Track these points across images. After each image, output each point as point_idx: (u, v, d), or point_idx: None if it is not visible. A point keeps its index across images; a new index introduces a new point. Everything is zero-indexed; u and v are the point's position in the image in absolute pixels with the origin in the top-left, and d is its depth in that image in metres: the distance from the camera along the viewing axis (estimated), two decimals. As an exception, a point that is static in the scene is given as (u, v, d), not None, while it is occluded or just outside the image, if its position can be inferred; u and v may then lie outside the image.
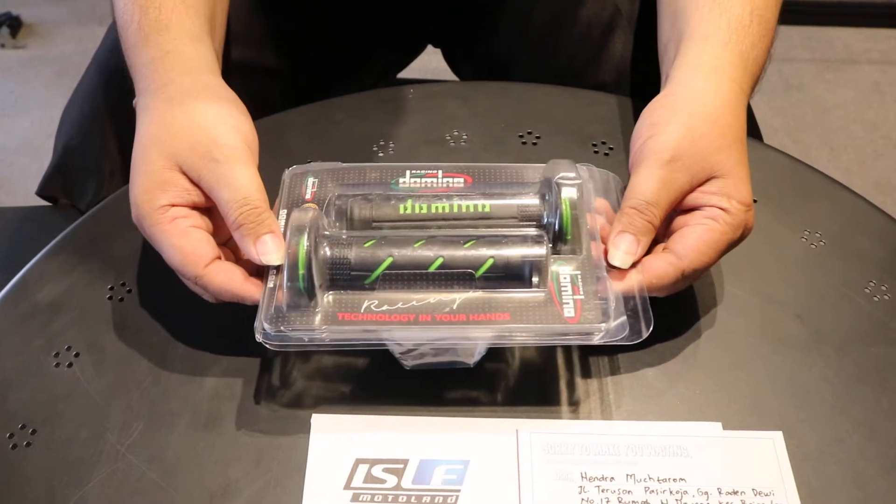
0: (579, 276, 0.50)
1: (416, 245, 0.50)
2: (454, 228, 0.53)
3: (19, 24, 2.02)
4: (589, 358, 0.54)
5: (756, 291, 0.58)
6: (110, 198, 0.65)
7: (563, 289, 0.50)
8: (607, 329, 0.48)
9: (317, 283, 0.49)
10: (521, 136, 0.69)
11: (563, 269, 0.51)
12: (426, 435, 0.50)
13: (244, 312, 0.51)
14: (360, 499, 0.48)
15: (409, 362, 0.51)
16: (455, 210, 0.54)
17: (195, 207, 0.52)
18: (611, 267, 0.51)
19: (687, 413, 0.52)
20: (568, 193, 0.52)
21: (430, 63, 1.00)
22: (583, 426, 0.51)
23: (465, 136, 0.69)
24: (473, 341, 0.50)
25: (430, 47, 0.95)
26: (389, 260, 0.49)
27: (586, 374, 0.54)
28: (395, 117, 0.70)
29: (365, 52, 0.89)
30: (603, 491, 0.48)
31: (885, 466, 0.50)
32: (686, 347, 0.55)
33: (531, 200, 0.54)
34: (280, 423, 0.51)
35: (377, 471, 0.49)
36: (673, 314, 0.55)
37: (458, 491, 0.48)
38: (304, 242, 0.49)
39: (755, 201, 0.54)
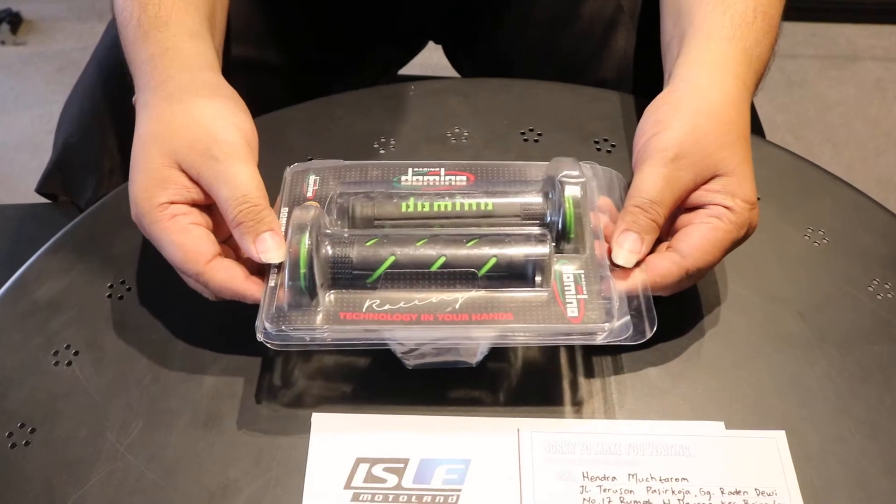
0: (583, 276, 0.50)
1: (419, 244, 0.50)
2: (456, 227, 0.53)
3: (19, 20, 2.01)
4: (591, 357, 0.54)
5: (759, 290, 0.58)
6: (110, 195, 0.65)
7: (566, 288, 0.49)
8: (611, 329, 0.48)
9: (318, 282, 0.48)
10: (523, 133, 0.68)
11: (567, 269, 0.50)
12: (427, 434, 0.50)
13: (244, 311, 0.51)
14: (361, 498, 0.48)
15: (410, 362, 0.51)
16: (457, 208, 0.53)
17: (195, 205, 0.52)
18: (614, 266, 0.51)
19: (689, 412, 0.52)
20: (571, 192, 0.52)
21: (432, 59, 1.00)
22: (584, 425, 0.51)
23: (466, 133, 0.68)
24: (476, 341, 0.49)
25: (431, 43, 0.95)
26: (391, 259, 0.49)
27: (588, 373, 0.53)
28: (396, 114, 0.70)
29: (366, 49, 0.88)
30: (605, 491, 0.48)
31: (888, 466, 0.50)
32: (688, 346, 0.55)
33: (534, 199, 0.54)
34: (280, 422, 0.51)
35: (378, 470, 0.49)
36: (675, 313, 0.54)
37: (459, 491, 0.48)
38: (306, 241, 0.48)
39: (758, 199, 0.53)
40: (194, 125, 0.52)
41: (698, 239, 0.51)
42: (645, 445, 0.50)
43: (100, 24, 0.75)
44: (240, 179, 0.51)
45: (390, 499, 0.48)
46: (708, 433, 0.51)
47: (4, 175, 1.70)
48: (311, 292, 0.48)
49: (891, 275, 0.59)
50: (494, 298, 0.49)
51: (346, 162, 0.57)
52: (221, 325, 0.55)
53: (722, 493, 0.48)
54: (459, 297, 0.49)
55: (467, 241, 0.50)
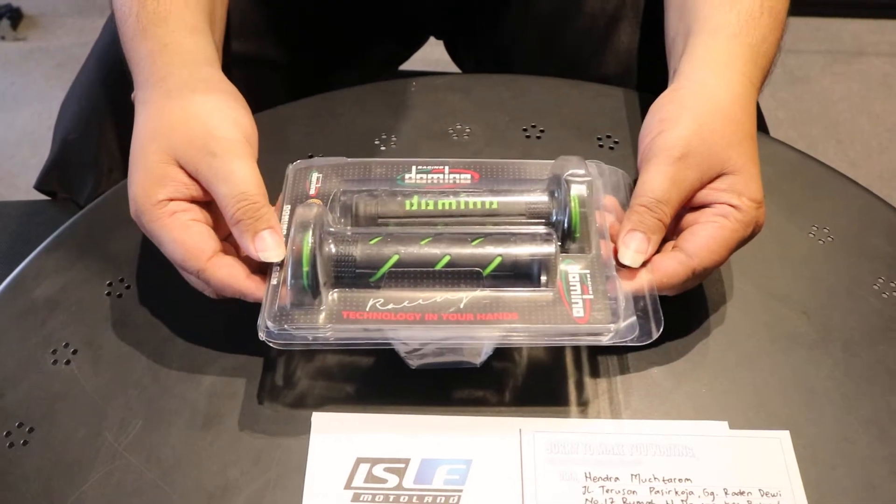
0: (588, 276, 0.49)
1: (423, 242, 0.49)
2: (461, 226, 0.52)
3: (20, 15, 2.01)
4: (594, 356, 0.53)
5: (763, 288, 0.57)
6: (109, 193, 0.64)
7: (571, 288, 0.49)
8: (617, 330, 0.47)
9: (321, 280, 0.48)
10: (525, 130, 0.68)
11: (572, 268, 0.50)
12: (428, 434, 0.50)
13: (244, 310, 0.50)
14: (361, 499, 0.47)
15: (414, 362, 0.50)
16: (462, 207, 0.53)
17: (194, 201, 0.51)
18: (621, 266, 0.50)
19: (693, 412, 0.51)
20: (577, 191, 0.51)
21: (433, 54, 0.99)
22: (587, 425, 0.50)
23: (468, 130, 0.68)
24: (480, 341, 0.49)
25: (432, 39, 0.94)
26: (395, 258, 0.49)
27: (591, 372, 0.53)
28: (397, 110, 0.69)
29: (366, 45, 0.88)
30: (607, 491, 0.47)
31: (894, 467, 0.49)
32: (692, 345, 0.54)
33: (540, 198, 0.53)
34: (280, 422, 0.50)
35: (378, 470, 0.48)
36: (679, 312, 0.54)
37: (461, 491, 0.48)
38: (309, 239, 0.48)
39: (762, 197, 0.53)
40: (193, 121, 0.52)
41: (704, 238, 0.50)
42: (648, 445, 0.49)
43: (100, 19, 0.74)
44: (238, 176, 0.50)
45: (391, 499, 0.47)
46: (712, 433, 0.50)
47: (5, 171, 1.69)
48: (314, 291, 0.48)
49: (897, 273, 0.58)
50: (499, 298, 0.48)
51: (349, 159, 0.56)
52: (221, 325, 0.54)
53: (725, 493, 0.48)
54: (464, 296, 0.48)
55: (472, 240, 0.49)
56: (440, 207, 0.53)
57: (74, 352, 0.54)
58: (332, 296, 0.49)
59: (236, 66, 0.62)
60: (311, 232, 0.48)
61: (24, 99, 1.84)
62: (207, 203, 0.52)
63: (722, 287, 0.57)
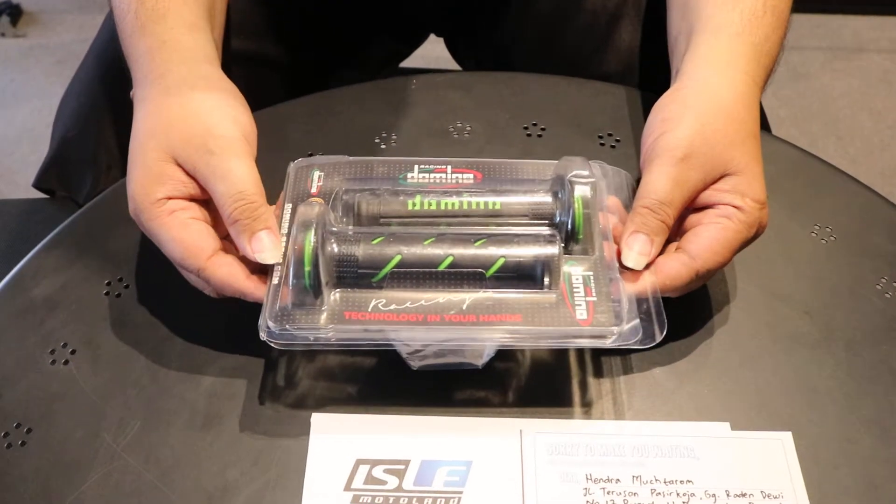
0: (591, 277, 0.49)
1: (426, 243, 0.49)
2: (464, 226, 0.52)
3: (19, 12, 2.01)
4: (595, 357, 0.53)
5: (765, 288, 0.57)
6: (107, 191, 0.64)
7: (575, 290, 0.48)
8: (620, 332, 0.47)
9: (323, 280, 0.48)
10: (526, 128, 0.68)
11: (575, 270, 0.50)
12: (428, 435, 0.49)
13: (243, 310, 0.50)
14: (361, 500, 0.47)
15: (416, 363, 0.50)
16: (465, 207, 0.52)
17: (193, 200, 0.51)
18: (624, 268, 0.50)
19: (694, 413, 0.51)
20: (581, 192, 0.51)
21: (434, 52, 0.99)
22: (588, 426, 0.50)
23: (468, 128, 0.67)
24: (483, 343, 0.48)
25: (432, 36, 0.94)
26: (398, 258, 0.48)
27: (592, 373, 0.53)
28: (398, 109, 0.69)
29: (366, 42, 0.87)
30: (608, 493, 0.47)
31: (897, 468, 0.49)
32: (694, 346, 0.54)
33: (543, 199, 0.53)
34: (279, 423, 0.50)
35: (378, 472, 0.48)
36: (681, 312, 0.53)
37: (461, 493, 0.47)
38: (311, 238, 0.47)
39: (765, 196, 0.53)
40: (191, 119, 0.51)
41: (708, 240, 0.50)
42: (649, 447, 0.49)
43: (100, 15, 0.74)
44: (236, 175, 0.50)
45: (391, 501, 0.47)
46: (713, 434, 0.50)
47: (5, 168, 1.69)
48: (316, 291, 0.47)
49: (899, 273, 0.58)
50: (502, 299, 0.48)
51: (351, 158, 0.56)
52: (220, 325, 0.54)
53: (727, 495, 0.47)
54: (466, 297, 0.48)
55: (475, 241, 0.49)
56: (443, 207, 0.52)
57: (73, 352, 0.54)
58: (333, 296, 0.48)
59: (236, 64, 0.62)
60: (313, 231, 0.48)
61: (24, 96, 1.84)
62: (206, 201, 0.52)
63: (724, 287, 0.57)
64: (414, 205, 0.52)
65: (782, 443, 0.50)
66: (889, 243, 0.60)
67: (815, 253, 0.60)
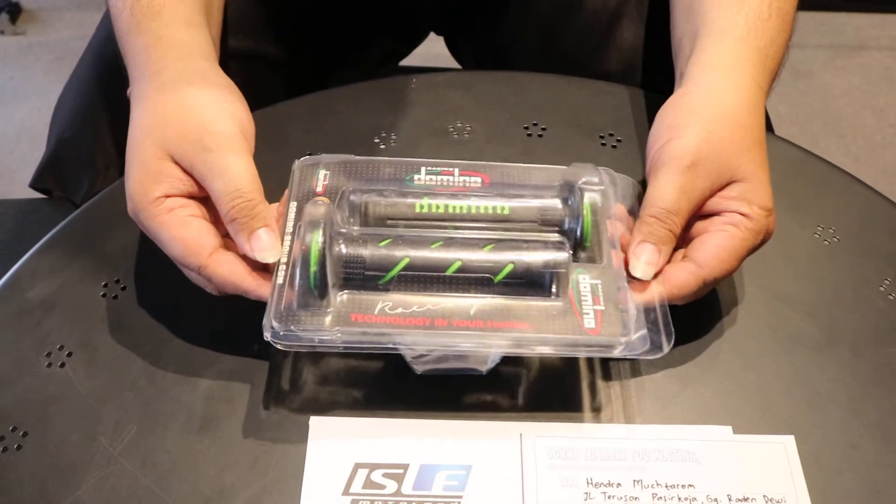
0: (600, 286, 0.49)
1: (434, 246, 0.48)
2: (471, 230, 0.51)
3: (18, 10, 2.00)
4: (595, 361, 0.53)
5: (767, 289, 0.57)
6: (105, 192, 0.63)
7: (583, 298, 0.48)
8: (628, 342, 0.46)
9: (329, 281, 0.47)
10: (527, 128, 0.67)
11: (583, 278, 0.49)
12: (427, 439, 0.49)
13: (241, 312, 0.49)
14: (360, 505, 0.47)
15: (420, 367, 0.50)
16: (473, 211, 0.52)
17: (192, 197, 0.51)
18: (631, 277, 0.49)
19: (696, 416, 0.50)
20: (591, 199, 0.51)
21: (433, 50, 0.98)
22: (589, 430, 0.50)
23: (468, 128, 0.67)
24: (490, 350, 0.48)
25: (432, 34, 0.93)
26: (406, 261, 0.48)
27: (593, 377, 0.52)
28: (397, 108, 0.68)
29: (365, 41, 0.87)
30: (609, 497, 0.47)
31: (900, 472, 0.48)
32: (696, 348, 0.53)
33: (552, 205, 0.52)
34: (277, 426, 0.50)
35: (377, 476, 0.47)
36: (682, 314, 0.53)
37: (460, 497, 0.47)
38: (319, 238, 0.47)
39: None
40: (187, 115, 0.51)
41: (715, 248, 0.50)
42: (651, 451, 0.49)
43: (98, 13, 0.73)
44: (233, 172, 0.49)
45: (390, 505, 0.46)
46: (715, 438, 0.49)
47: (3, 166, 1.69)
48: (322, 292, 0.47)
49: (903, 274, 0.57)
50: (510, 306, 0.47)
51: (357, 157, 0.55)
52: (218, 327, 0.54)
53: (729, 500, 0.47)
54: (474, 303, 0.47)
55: (484, 246, 0.48)
56: (451, 211, 0.52)
57: (69, 354, 0.53)
58: (339, 297, 0.48)
59: (234, 63, 0.61)
60: (321, 231, 0.47)
61: (23, 93, 1.83)
62: (205, 198, 0.51)
63: (726, 289, 0.56)
64: (422, 207, 0.52)
65: (785, 447, 0.49)
66: (893, 244, 0.59)
67: (818, 254, 0.59)
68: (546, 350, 0.47)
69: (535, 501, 0.47)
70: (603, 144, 0.66)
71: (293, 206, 0.52)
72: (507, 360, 0.51)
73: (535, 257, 0.48)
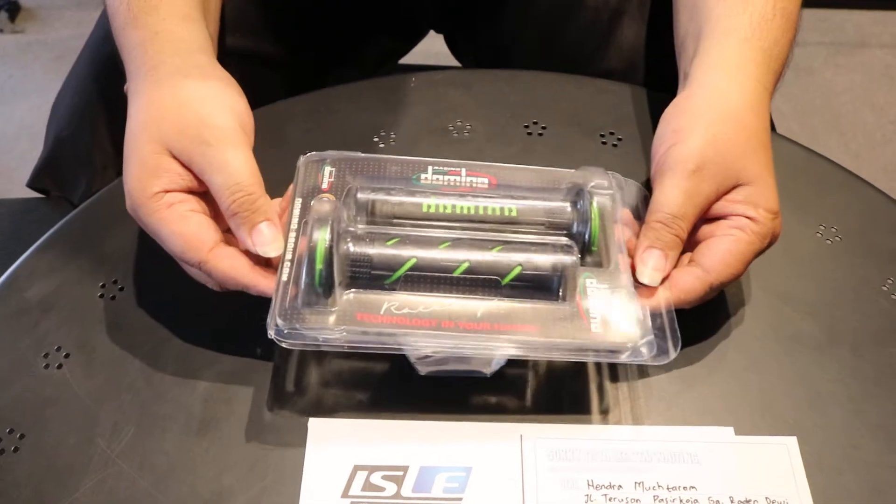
0: (607, 291, 0.48)
1: (442, 247, 0.48)
2: (479, 231, 0.50)
3: (18, 8, 1.99)
4: (596, 362, 0.52)
5: (769, 289, 0.56)
6: (103, 191, 0.63)
7: (590, 303, 0.48)
8: (634, 347, 0.46)
9: (335, 280, 0.46)
10: (527, 127, 0.67)
11: (591, 282, 0.49)
12: (427, 441, 0.49)
13: (240, 313, 0.49)
14: (359, 507, 0.46)
15: (424, 368, 0.49)
16: (481, 212, 0.51)
17: (191, 192, 0.50)
18: (638, 283, 0.49)
19: (697, 417, 0.50)
20: (600, 203, 0.50)
21: (433, 47, 0.98)
22: (589, 431, 0.49)
23: (468, 126, 0.66)
24: (495, 353, 0.47)
25: (432, 31, 0.93)
26: (413, 261, 0.47)
27: (593, 378, 0.52)
28: (396, 107, 0.68)
29: (364, 39, 0.86)
30: (610, 500, 0.46)
31: (903, 474, 0.48)
32: (697, 348, 0.53)
33: (561, 208, 0.52)
34: (276, 428, 0.49)
35: (376, 478, 0.47)
36: (682, 314, 0.52)
37: (460, 499, 0.47)
38: (325, 236, 0.46)
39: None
40: (184, 109, 0.50)
41: (721, 252, 0.49)
42: (652, 452, 0.48)
43: (97, 12, 0.73)
44: (233, 166, 0.49)
45: (389, 508, 0.46)
46: (717, 439, 0.49)
47: (3, 165, 1.68)
48: (327, 291, 0.46)
49: (906, 274, 0.57)
50: (517, 309, 0.47)
51: (364, 155, 0.55)
52: (217, 328, 0.53)
53: (731, 501, 0.47)
54: (481, 305, 0.47)
55: (492, 247, 0.48)
56: (458, 211, 0.51)
57: (67, 355, 0.53)
58: (345, 296, 0.47)
59: (233, 62, 0.60)
60: (327, 229, 0.46)
61: (23, 92, 1.83)
62: (205, 193, 0.50)
63: (728, 289, 0.56)
64: (429, 207, 0.51)
65: (787, 448, 0.49)
66: (895, 243, 0.59)
67: (820, 253, 0.59)
68: (552, 354, 0.47)
69: (535, 503, 0.46)
70: (604, 143, 0.65)
71: (298, 202, 0.52)
72: (508, 363, 0.51)
73: (543, 260, 0.48)
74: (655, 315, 0.48)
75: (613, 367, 0.52)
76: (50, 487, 0.47)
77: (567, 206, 0.52)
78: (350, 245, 0.47)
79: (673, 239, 0.49)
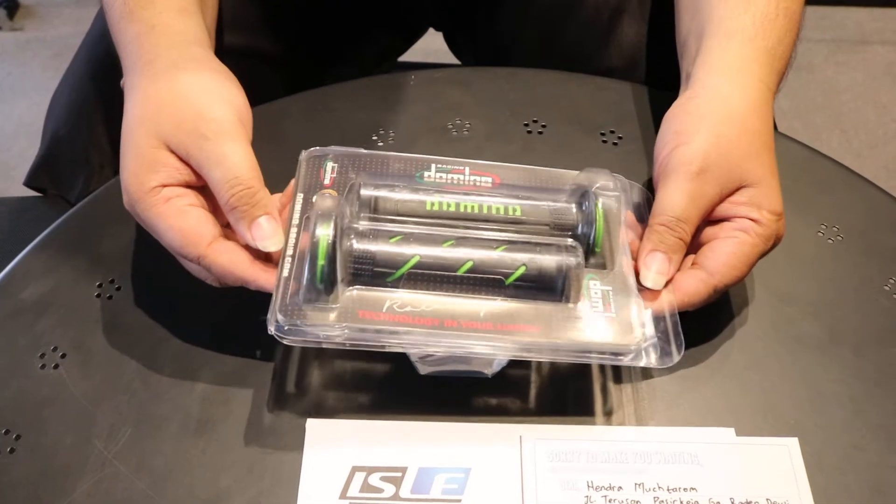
0: (611, 293, 0.48)
1: (446, 245, 0.47)
2: (482, 230, 0.50)
3: (16, 5, 1.99)
4: (597, 365, 0.52)
5: (770, 289, 0.56)
6: (100, 190, 0.63)
7: (594, 305, 0.47)
8: (638, 350, 0.46)
9: (337, 276, 0.46)
10: (527, 125, 0.66)
11: (594, 284, 0.48)
12: (426, 442, 0.48)
13: (238, 313, 0.49)
14: (357, 509, 0.46)
15: (425, 368, 0.49)
16: (485, 211, 0.51)
17: (189, 187, 0.50)
18: (642, 287, 0.49)
19: (698, 418, 0.50)
20: (605, 205, 0.50)
21: (433, 45, 0.97)
22: (589, 432, 0.49)
23: (468, 125, 0.66)
24: (499, 354, 0.47)
25: (430, 28, 0.93)
26: (416, 259, 0.47)
27: (593, 379, 0.51)
28: (395, 105, 0.68)
29: (363, 37, 0.86)
30: (610, 501, 0.46)
31: (905, 475, 0.48)
32: (697, 349, 0.53)
33: (565, 209, 0.51)
34: (274, 429, 0.49)
35: (374, 479, 0.47)
36: (684, 314, 0.52)
37: (459, 501, 0.46)
38: (328, 232, 0.45)
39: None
40: (181, 102, 0.50)
41: (725, 255, 0.49)
42: (652, 453, 0.48)
43: (97, 9, 0.72)
44: (231, 160, 0.48)
45: (388, 509, 0.46)
46: (717, 440, 0.49)
47: (2, 163, 1.68)
48: (329, 287, 0.46)
49: (908, 273, 0.57)
50: (521, 309, 0.47)
51: (367, 151, 0.54)
52: (214, 328, 0.53)
53: (732, 502, 0.46)
54: (484, 304, 0.46)
55: (496, 247, 0.48)
56: (462, 210, 0.51)
57: (63, 355, 0.53)
58: (346, 293, 0.46)
59: (231, 59, 0.60)
60: (330, 225, 0.46)
61: (21, 89, 1.82)
62: (203, 188, 0.50)
63: (729, 289, 0.56)
64: (433, 205, 0.51)
65: (788, 449, 0.49)
66: (897, 243, 0.59)
67: (822, 253, 0.58)
68: (556, 355, 0.47)
69: (534, 505, 0.46)
70: (604, 142, 0.65)
71: (300, 197, 0.51)
72: (509, 363, 0.51)
73: (548, 260, 0.47)
74: (659, 318, 0.48)
75: (613, 368, 0.52)
76: (46, 489, 0.47)
77: (572, 207, 0.51)
78: (353, 241, 0.47)
79: (676, 242, 0.49)
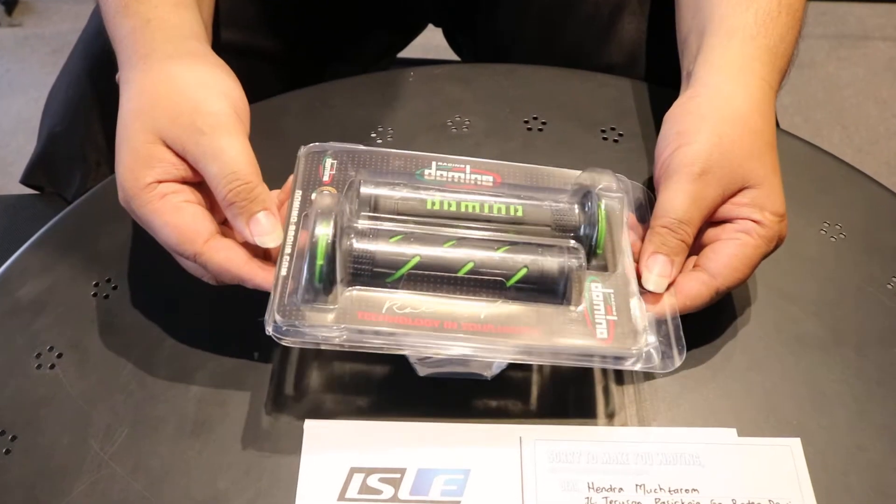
0: (612, 295, 0.47)
1: (446, 245, 0.47)
2: (483, 231, 0.49)
3: (15, 1, 1.98)
4: (600, 368, 0.51)
5: (772, 288, 0.55)
6: (96, 188, 0.62)
7: (595, 308, 0.47)
8: (640, 354, 0.45)
9: (336, 277, 0.45)
10: (527, 122, 0.66)
11: (596, 286, 0.48)
12: (425, 443, 0.48)
13: (236, 313, 0.48)
14: (356, 510, 0.46)
15: (424, 370, 0.48)
16: (486, 211, 0.50)
17: (185, 182, 0.49)
18: (644, 289, 0.48)
19: (699, 419, 0.49)
20: (608, 206, 0.49)
21: (432, 41, 0.97)
22: (590, 433, 0.49)
23: (467, 122, 0.66)
24: (500, 357, 0.46)
25: (430, 24, 0.92)
26: (416, 259, 0.46)
27: (593, 379, 0.51)
28: (394, 102, 0.67)
29: (362, 33, 0.85)
30: (611, 502, 0.46)
31: (909, 476, 0.47)
32: (698, 349, 0.52)
33: (567, 209, 0.51)
34: (271, 430, 0.49)
35: (373, 480, 0.46)
36: (684, 315, 0.52)
37: (459, 502, 0.46)
38: (328, 231, 0.45)
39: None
40: (177, 96, 0.49)
41: (727, 257, 0.49)
42: (653, 454, 0.48)
43: (94, 5, 0.72)
44: (228, 155, 0.48)
45: (386, 511, 0.45)
46: (719, 441, 0.48)
47: (0, 159, 1.67)
48: (327, 288, 0.45)
49: (911, 272, 0.56)
50: (522, 311, 0.46)
51: (366, 147, 0.54)
52: (212, 328, 0.53)
53: (734, 504, 0.46)
54: (485, 306, 0.46)
55: (498, 248, 0.47)
56: (463, 209, 0.50)
57: (59, 355, 0.52)
58: (345, 294, 0.46)
59: (229, 56, 0.59)
60: (329, 224, 0.45)
61: (20, 86, 1.82)
62: (200, 183, 0.49)
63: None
64: (433, 204, 0.50)
65: (790, 449, 0.48)
66: (900, 241, 0.58)
67: (824, 251, 0.58)
68: (557, 359, 0.46)
69: (534, 506, 0.46)
70: (604, 139, 0.64)
71: (298, 193, 0.50)
72: (510, 366, 0.50)
73: (550, 262, 0.47)
74: (661, 321, 0.47)
75: (615, 371, 0.51)
76: (42, 490, 0.47)
77: (574, 207, 0.51)
78: (353, 241, 0.46)
79: (678, 244, 0.49)
